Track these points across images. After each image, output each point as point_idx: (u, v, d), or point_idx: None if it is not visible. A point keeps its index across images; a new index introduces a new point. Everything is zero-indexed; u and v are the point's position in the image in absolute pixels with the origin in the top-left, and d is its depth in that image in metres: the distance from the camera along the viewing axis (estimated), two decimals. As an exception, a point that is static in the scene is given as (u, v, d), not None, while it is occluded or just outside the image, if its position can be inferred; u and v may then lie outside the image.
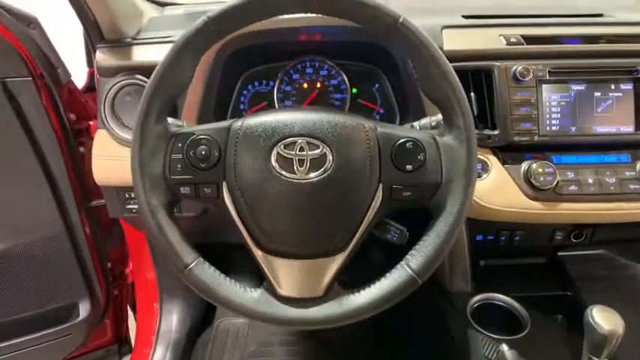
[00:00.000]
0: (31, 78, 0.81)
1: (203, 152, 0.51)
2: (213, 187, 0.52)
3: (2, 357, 0.94)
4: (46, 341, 0.97)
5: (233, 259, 1.23)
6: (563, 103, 0.70)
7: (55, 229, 0.92)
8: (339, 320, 0.51)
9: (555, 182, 0.67)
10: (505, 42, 0.71)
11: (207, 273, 0.51)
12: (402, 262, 0.52)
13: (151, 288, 1.12)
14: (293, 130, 0.50)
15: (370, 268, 0.68)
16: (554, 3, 0.92)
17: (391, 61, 0.76)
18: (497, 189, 0.68)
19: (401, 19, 0.48)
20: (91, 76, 0.98)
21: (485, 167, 0.70)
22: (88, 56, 0.97)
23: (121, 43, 0.76)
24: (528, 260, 0.98)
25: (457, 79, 0.49)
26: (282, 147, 0.50)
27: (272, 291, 0.52)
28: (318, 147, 0.50)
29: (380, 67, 0.82)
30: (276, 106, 0.83)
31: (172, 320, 1.11)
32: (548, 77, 0.69)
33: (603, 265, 0.98)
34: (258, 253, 0.52)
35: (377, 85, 0.83)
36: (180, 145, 0.52)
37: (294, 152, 0.49)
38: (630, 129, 0.70)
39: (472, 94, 0.71)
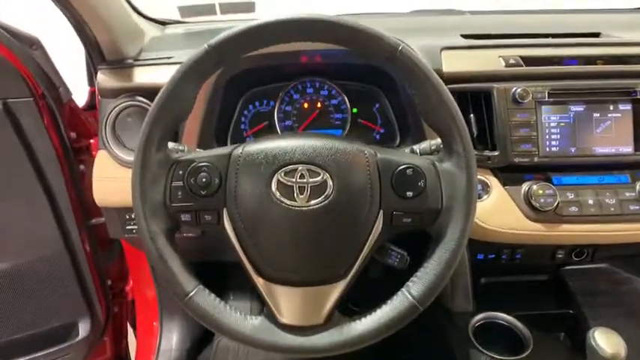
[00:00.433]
0: (32, 98, 0.81)
1: (204, 179, 0.51)
2: (213, 214, 0.52)
3: (1, 378, 0.93)
4: (45, 361, 0.96)
5: (232, 277, 1.23)
6: (563, 124, 0.70)
7: (55, 247, 0.91)
8: (341, 348, 0.51)
9: (556, 203, 0.67)
10: (504, 63, 0.71)
11: (208, 301, 0.51)
12: (402, 289, 0.51)
13: (151, 306, 1.11)
14: (293, 157, 0.50)
15: (370, 287, 0.68)
16: (552, 19, 0.93)
17: (391, 81, 0.77)
18: (498, 210, 0.68)
19: (400, 47, 0.48)
20: (92, 94, 0.98)
21: (485, 188, 0.70)
22: (89, 75, 0.97)
23: (122, 65, 0.77)
24: (530, 277, 0.98)
25: (456, 106, 0.50)
26: (282, 174, 0.50)
27: (273, 319, 0.52)
28: (318, 174, 0.50)
29: (380, 87, 0.82)
30: (277, 125, 0.83)
31: (172, 338, 1.10)
32: (547, 99, 0.69)
33: (606, 280, 0.97)
34: (259, 281, 0.52)
35: (377, 105, 0.83)
36: (181, 172, 0.52)
37: (294, 179, 0.49)
38: (629, 149, 0.70)
39: (471, 115, 0.71)
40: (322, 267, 0.51)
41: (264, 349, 0.51)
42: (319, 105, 0.83)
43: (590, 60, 0.72)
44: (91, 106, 1.00)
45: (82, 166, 0.94)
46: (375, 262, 0.56)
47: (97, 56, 0.78)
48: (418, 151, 0.59)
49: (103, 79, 0.76)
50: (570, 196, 0.68)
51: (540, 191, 0.67)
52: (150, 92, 0.73)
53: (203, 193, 0.51)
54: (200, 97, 0.72)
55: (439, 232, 0.51)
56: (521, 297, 0.93)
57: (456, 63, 0.71)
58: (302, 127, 0.83)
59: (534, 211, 0.68)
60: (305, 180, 0.49)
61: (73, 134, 0.93)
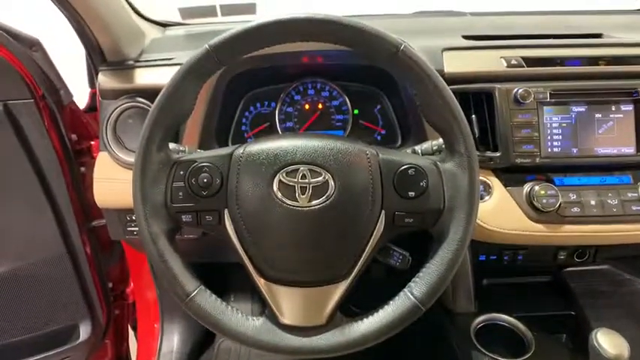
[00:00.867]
0: (33, 100, 0.81)
1: (205, 180, 0.51)
2: (214, 214, 0.52)
3: (1, 381, 0.93)
4: (45, 364, 0.95)
5: (233, 278, 1.23)
6: (564, 125, 0.70)
7: (55, 250, 0.91)
8: (342, 349, 0.50)
9: (558, 204, 0.67)
10: (506, 64, 0.71)
11: (209, 301, 0.51)
12: (405, 290, 0.51)
13: (152, 308, 1.11)
14: (295, 158, 0.50)
15: (370, 287, 0.67)
16: (553, 20, 0.93)
17: (392, 82, 0.76)
18: (500, 211, 0.68)
19: (402, 47, 0.48)
20: (92, 96, 0.98)
21: (487, 189, 0.70)
22: (90, 77, 0.97)
23: (123, 66, 0.77)
24: (532, 279, 0.97)
25: (458, 106, 0.49)
26: (284, 174, 0.50)
27: (274, 319, 0.52)
28: (320, 174, 0.50)
29: (381, 88, 0.82)
30: (278, 127, 0.83)
31: (174, 340, 1.10)
32: (549, 99, 0.69)
33: (607, 281, 0.97)
34: (260, 281, 0.52)
35: (378, 106, 0.83)
36: (181, 172, 0.52)
37: (296, 180, 0.49)
38: (631, 150, 0.70)
39: (473, 116, 0.71)
40: (324, 267, 0.51)
41: (266, 350, 0.51)
42: (320, 106, 0.83)
43: (592, 61, 0.72)
44: (92, 107, 1.00)
45: (82, 168, 0.94)
46: (377, 263, 0.56)
47: (97, 57, 0.78)
48: (420, 151, 0.58)
49: (104, 80, 0.76)
50: (572, 196, 0.68)
51: (542, 192, 0.66)
52: (151, 93, 0.73)
53: (204, 193, 0.51)
54: (201, 98, 0.72)
55: (441, 233, 0.51)
56: (523, 298, 0.93)
57: (457, 63, 0.71)
58: (303, 128, 0.83)
59: (536, 211, 0.67)
60: (307, 180, 0.49)
61: (73, 136, 0.93)
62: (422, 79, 0.49)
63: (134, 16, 0.86)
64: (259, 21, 0.48)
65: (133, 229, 0.79)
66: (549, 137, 0.69)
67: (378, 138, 0.83)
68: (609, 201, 0.68)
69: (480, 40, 0.77)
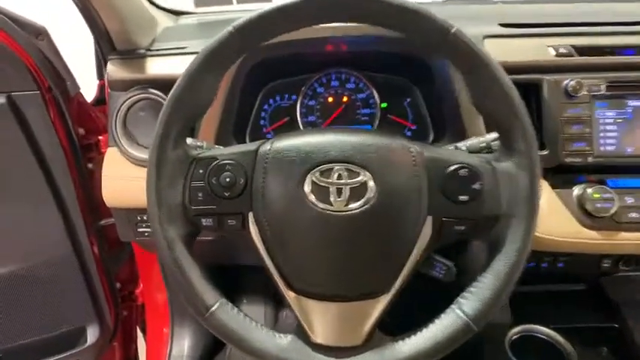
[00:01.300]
0: (38, 91, 0.77)
1: (227, 179, 0.46)
2: (238, 218, 0.46)
3: (6, 386, 0.89)
4: (52, 368, 0.91)
5: (245, 280, 1.17)
6: (620, 121, 0.63)
7: (62, 250, 0.87)
8: None
9: (614, 209, 0.60)
10: (554, 53, 0.64)
11: (231, 316, 0.45)
12: (453, 306, 0.45)
13: (162, 310, 1.07)
14: (329, 155, 0.44)
15: (411, 305, 0.62)
16: (597, 8, 0.85)
17: (425, 72, 0.70)
18: (548, 216, 0.62)
19: (454, 30, 0.42)
20: (100, 88, 0.93)
21: None
22: (98, 68, 0.92)
23: (133, 55, 0.72)
24: (565, 286, 0.91)
25: (519, 96, 0.43)
26: (317, 174, 0.44)
27: (305, 338, 0.46)
28: (358, 174, 0.44)
29: (412, 79, 0.76)
30: (299, 121, 0.77)
31: (184, 345, 1.06)
32: (604, 92, 0.62)
33: None
34: (289, 295, 0.46)
35: (408, 99, 0.77)
36: (201, 171, 0.46)
37: (331, 180, 0.44)
38: None
39: None
40: (361, 280, 0.45)
41: None
42: (345, 99, 0.77)
43: None
44: (100, 100, 0.95)
45: (90, 165, 0.90)
46: (417, 275, 0.50)
47: (106, 46, 0.73)
48: (465, 149, 0.52)
49: (113, 70, 0.71)
50: (629, 200, 0.61)
51: (596, 195, 0.60)
52: (164, 84, 0.68)
53: (226, 194, 0.46)
54: (219, 90, 0.66)
55: (496, 242, 0.45)
56: (559, 308, 0.86)
57: (499, 53, 0.64)
58: (326, 122, 0.77)
59: (589, 217, 0.61)
60: (343, 181, 0.44)
61: (81, 130, 0.88)
62: (477, 66, 0.43)
63: (145, 3, 0.81)
64: None
65: (144, 229, 0.74)
66: (602, 134, 0.63)
67: (408, 134, 0.77)
68: None
69: (521, 27, 0.71)
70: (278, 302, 1.18)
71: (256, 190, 0.45)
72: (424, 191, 0.44)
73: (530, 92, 0.64)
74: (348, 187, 0.43)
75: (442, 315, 0.45)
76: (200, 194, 0.46)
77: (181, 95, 0.44)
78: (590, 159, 0.62)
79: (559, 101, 0.62)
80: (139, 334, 1.17)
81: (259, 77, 0.74)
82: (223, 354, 1.13)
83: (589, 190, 0.61)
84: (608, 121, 0.63)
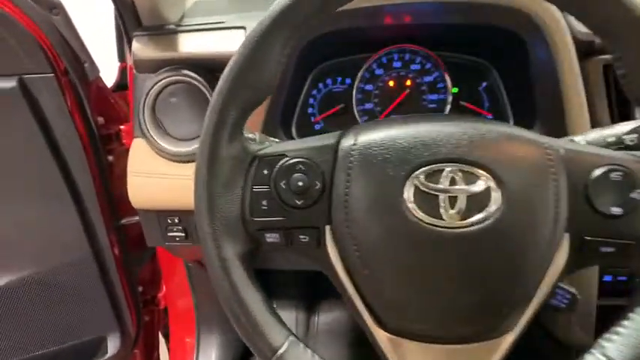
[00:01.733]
0: (53, 74, 0.68)
1: (299, 183, 0.35)
2: (312, 233, 0.36)
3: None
4: (69, 383, 0.85)
5: (274, 281, 1.08)
6: None
7: (79, 252, 0.79)
8: None
9: None
10: None
11: (304, 359, 0.35)
12: (594, 351, 0.35)
13: (187, 317, 0.98)
14: (439, 152, 0.34)
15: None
16: None
17: (508, 51, 0.59)
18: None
19: None
20: (122, 71, 0.84)
21: None
22: (119, 48, 0.83)
23: (163, 31, 0.61)
24: None
25: None
26: (421, 177, 0.34)
27: None
28: (477, 178, 0.33)
29: (490, 59, 0.64)
30: (355, 109, 0.66)
31: (211, 356, 0.97)
32: None
33: None
34: (378, 334, 0.36)
35: (484, 84, 0.65)
36: (265, 172, 0.36)
37: (441, 186, 0.33)
38: None
39: None
40: (479, 316, 0.35)
41: None
42: (409, 83, 0.66)
43: None
44: (121, 86, 0.86)
45: (110, 157, 0.82)
46: None
47: (131, 21, 0.63)
48: (584, 143, 0.41)
49: (140, 48, 0.60)
50: None
51: None
52: (200, 65, 0.58)
53: (298, 202, 0.36)
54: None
55: None
56: None
57: None
58: (386, 111, 0.66)
59: None
60: (458, 187, 0.33)
61: (100, 119, 0.80)
62: None
63: (173, -28, 0.70)
64: None
65: (175, 234, 0.64)
66: None
67: None
68: None
69: None
70: (310, 307, 1.10)
71: (337, 198, 0.35)
72: (563, 201, 0.34)
73: None
74: (465, 195, 0.33)
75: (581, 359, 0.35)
76: (264, 202, 0.36)
77: (243, 69, 0.34)
78: None
79: None
80: (161, 340, 1.10)
81: (308, 57, 0.63)
82: (253, 365, 1.04)
83: None
84: None
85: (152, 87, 0.59)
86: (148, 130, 0.59)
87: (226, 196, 0.36)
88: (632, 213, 0.33)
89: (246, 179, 0.36)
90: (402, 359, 0.35)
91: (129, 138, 0.69)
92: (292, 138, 0.66)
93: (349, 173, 0.35)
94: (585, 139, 0.41)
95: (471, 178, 0.33)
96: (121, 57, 0.84)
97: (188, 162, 0.59)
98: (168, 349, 1.07)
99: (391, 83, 0.66)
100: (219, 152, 0.35)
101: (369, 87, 0.66)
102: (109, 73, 0.89)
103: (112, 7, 0.65)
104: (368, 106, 0.66)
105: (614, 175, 0.33)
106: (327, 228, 0.36)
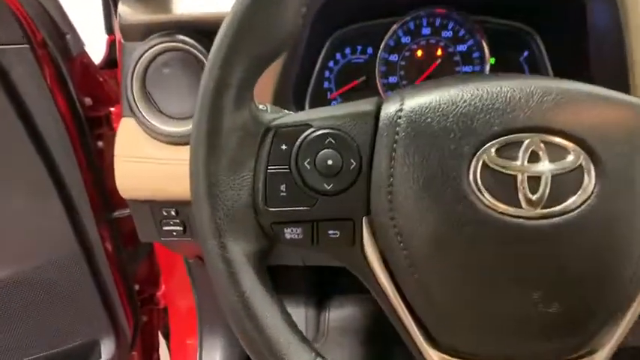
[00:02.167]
0: (28, 46, 0.61)
1: (329, 162, 0.27)
2: (345, 227, 0.28)
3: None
4: (60, 391, 0.81)
5: (282, 274, 1.01)
6: None
7: (67, 248, 0.75)
8: None
9: None
10: None
11: None
12: None
13: (188, 317, 0.92)
14: (516, 119, 0.26)
15: None
16: None
17: (560, 14, 0.50)
18: None
19: None
20: (111, 45, 0.76)
21: None
22: (106, 18, 0.74)
23: (153, -9, 0.53)
24: None
25: None
26: (492, 152, 0.26)
27: None
28: (567, 152, 0.25)
29: (533, 24, 0.56)
30: (378, 83, 0.58)
31: (215, 358, 0.90)
32: None
33: None
34: (429, 354, 0.28)
35: (526, 53, 0.57)
36: (284, 147, 0.28)
37: (519, 163, 0.25)
38: None
39: None
40: (564, 328, 0.28)
41: None
42: (440, 52, 0.57)
43: None
44: (111, 62, 0.78)
45: (100, 143, 0.76)
46: None
47: None
48: None
49: (127, 11, 0.52)
50: None
51: None
52: (197, 29, 0.50)
53: (327, 187, 0.28)
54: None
55: None
56: None
57: None
58: (413, 85, 0.58)
59: None
60: (541, 165, 0.25)
61: (87, 100, 0.73)
62: None
63: None
64: None
65: (171, 228, 0.56)
66: None
67: None
68: None
69: None
70: (320, 303, 1.03)
71: (378, 181, 0.27)
72: None
73: None
74: (550, 175, 0.25)
75: None
76: (282, 187, 0.28)
77: (252, 10, 0.26)
78: None
79: None
80: (162, 341, 1.04)
81: (324, 23, 0.55)
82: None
83: None
84: None
85: (141, 56, 0.50)
86: (137, 107, 0.51)
87: (232, 180, 0.27)
88: None
89: (257, 158, 0.28)
90: None
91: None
92: None
93: (394, 148, 0.27)
94: None
95: (557, 152, 0.25)
96: (109, 29, 0.76)
97: (185, 144, 0.51)
98: (169, 349, 1.02)
99: (419, 53, 0.57)
100: (222, 122, 0.27)
101: (393, 57, 0.58)
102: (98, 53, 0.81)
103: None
104: (392, 79, 0.58)
105: None
106: (365, 220, 0.28)
